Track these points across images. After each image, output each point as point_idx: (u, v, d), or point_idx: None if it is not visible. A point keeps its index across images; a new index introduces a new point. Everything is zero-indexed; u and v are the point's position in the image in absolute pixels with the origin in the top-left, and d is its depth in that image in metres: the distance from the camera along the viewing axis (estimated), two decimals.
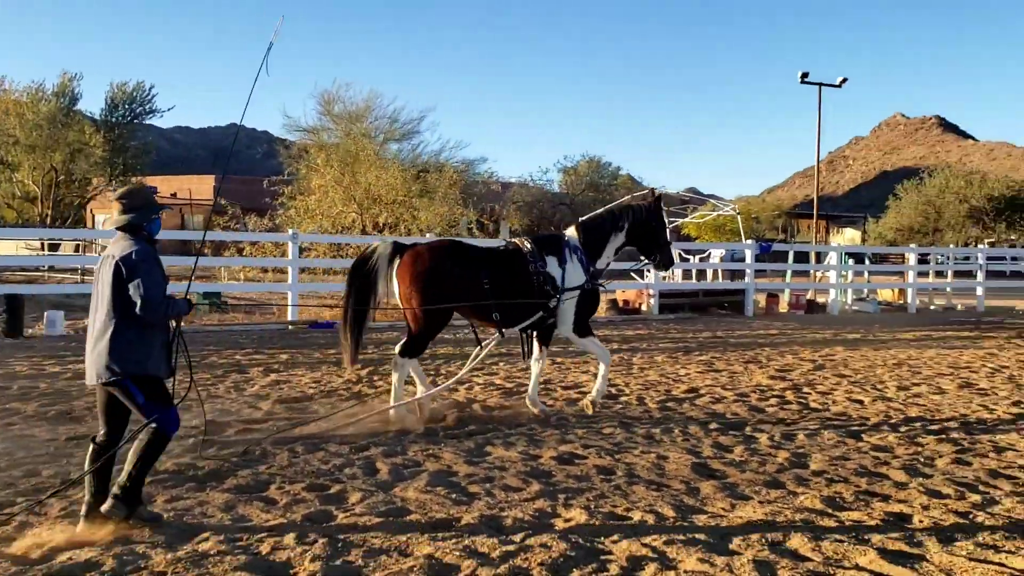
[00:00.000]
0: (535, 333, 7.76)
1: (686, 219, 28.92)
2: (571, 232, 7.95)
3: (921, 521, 4.84)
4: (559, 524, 4.74)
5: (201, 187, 47.48)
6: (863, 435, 7.12)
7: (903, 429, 7.35)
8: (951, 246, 40.85)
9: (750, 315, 19.07)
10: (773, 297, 20.72)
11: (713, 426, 7.38)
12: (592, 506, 5.06)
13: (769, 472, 5.92)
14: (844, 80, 34.78)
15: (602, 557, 4.24)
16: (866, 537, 4.54)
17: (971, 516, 4.94)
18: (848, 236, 67.83)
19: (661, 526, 4.71)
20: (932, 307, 22.45)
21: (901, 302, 22.56)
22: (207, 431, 6.24)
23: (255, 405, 7.90)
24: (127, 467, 4.44)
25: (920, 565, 4.15)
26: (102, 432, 4.56)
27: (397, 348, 7.46)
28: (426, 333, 7.40)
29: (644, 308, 18.99)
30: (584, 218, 8.44)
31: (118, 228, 4.57)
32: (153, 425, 4.43)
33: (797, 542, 4.46)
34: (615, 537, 4.51)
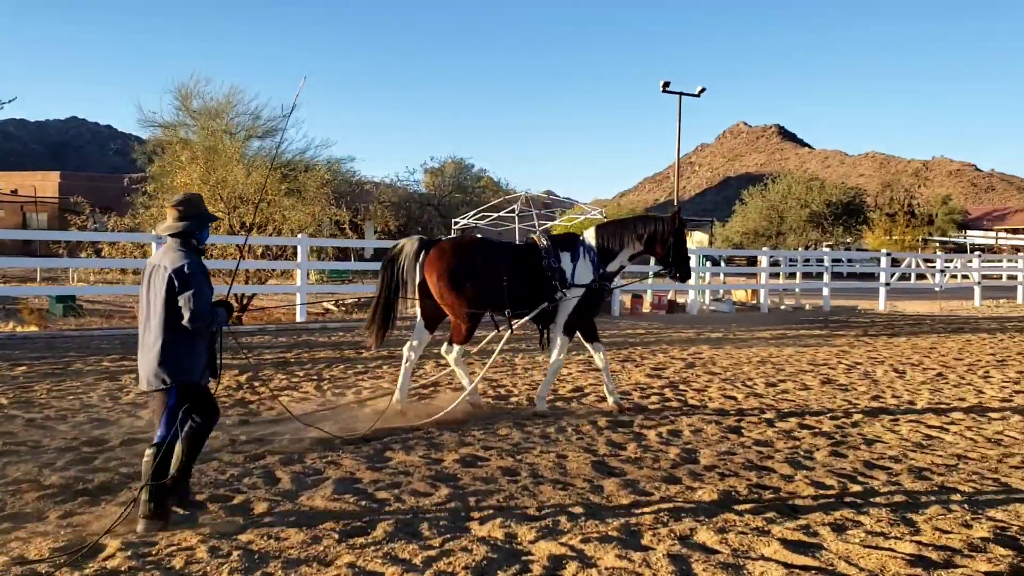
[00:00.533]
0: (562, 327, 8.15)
1: (555, 222, 29.53)
2: (589, 233, 8.36)
3: (812, 512, 5.16)
4: (475, 527, 4.78)
5: (45, 184, 44.55)
6: (743, 430, 7.50)
7: (779, 424, 7.78)
8: (799, 249, 43.34)
9: (616, 315, 19.63)
10: (637, 298, 21.42)
11: (603, 424, 7.58)
12: (505, 509, 5.12)
13: (664, 468, 6.15)
14: (703, 90, 36.43)
15: (524, 558, 4.31)
16: (766, 529, 4.81)
17: (857, 505, 5.30)
18: (697, 239, 70.86)
19: (575, 525, 4.82)
20: (783, 307, 23.78)
21: (754, 302, 23.80)
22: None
23: (135, 414, 7.52)
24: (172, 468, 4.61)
25: (820, 554, 4.43)
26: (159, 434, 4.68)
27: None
28: (471, 324, 7.90)
29: None
30: (604, 222, 8.96)
31: (171, 235, 4.65)
32: (156, 440, 4.64)
33: (704, 535, 4.67)
34: (532, 537, 4.59)
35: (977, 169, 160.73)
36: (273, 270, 20.57)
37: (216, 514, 4.88)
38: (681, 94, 36.13)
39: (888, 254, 26.36)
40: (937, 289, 28.31)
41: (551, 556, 4.32)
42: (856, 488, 5.68)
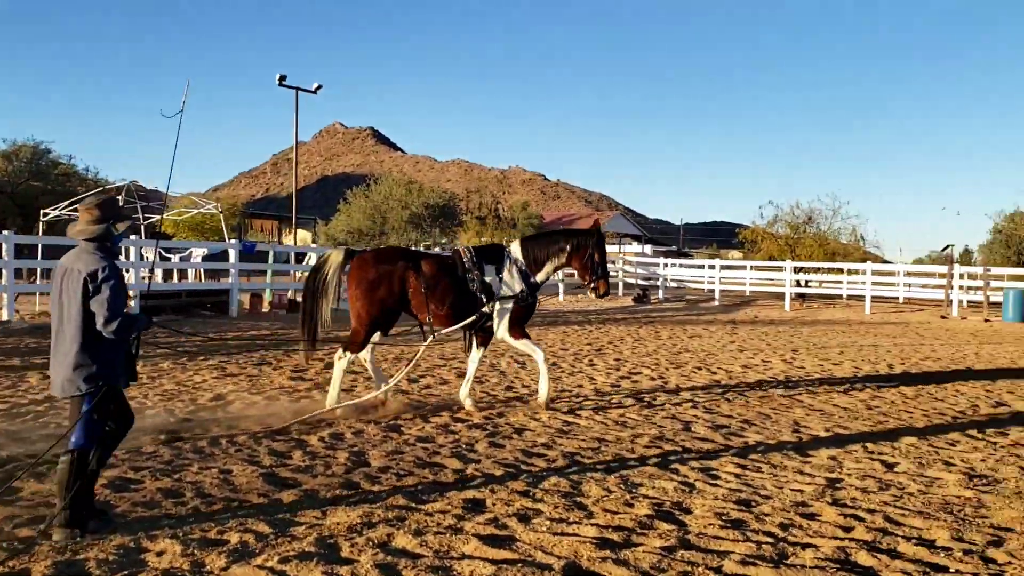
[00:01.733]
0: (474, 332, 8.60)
1: (164, 215, 27.26)
2: (515, 246, 8.67)
3: (495, 504, 5.34)
4: (152, 560, 4.21)
5: None
6: (402, 428, 7.55)
7: (433, 419, 7.94)
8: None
9: (235, 315, 18.74)
10: (257, 297, 20.68)
11: (259, 432, 7.16)
12: (180, 534, 4.57)
13: (339, 474, 5.96)
14: (319, 87, 36.17)
15: None
16: (459, 526, 4.87)
17: (532, 494, 5.59)
18: (300, 236, 70.43)
19: (265, 544, 4.46)
20: None
21: None
22: None
23: None
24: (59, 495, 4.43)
25: (516, 545, 4.58)
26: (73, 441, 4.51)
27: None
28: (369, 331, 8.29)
29: None
30: (528, 236, 9.52)
31: (86, 239, 4.50)
32: (71, 447, 4.46)
33: (403, 540, 4.60)
34: (223, 564, 4.16)
35: (546, 179, 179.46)
36: None
37: None
38: (298, 89, 35.56)
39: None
40: None
41: None
42: (525, 477, 5.99)
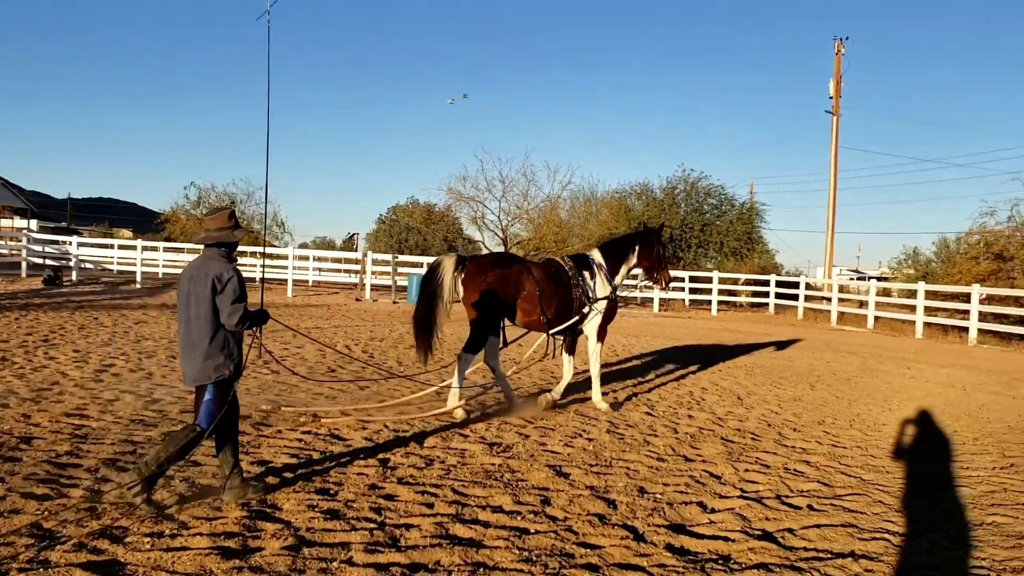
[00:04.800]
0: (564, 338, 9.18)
1: None
2: (596, 253, 9.30)
3: (71, 529, 4.58)
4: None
5: None
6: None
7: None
8: None
9: None
10: None
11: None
12: None
13: None
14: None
15: None
16: (44, 558, 4.10)
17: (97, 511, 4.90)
18: None
19: None
20: None
21: None
22: None
23: None
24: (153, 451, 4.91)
25: (126, 570, 4.04)
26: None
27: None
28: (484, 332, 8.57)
29: None
30: (604, 242, 9.92)
31: (210, 245, 5.07)
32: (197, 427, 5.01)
33: None
34: None
35: None
36: None
37: None
38: None
39: None
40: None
41: None
42: (83, 492, 5.21)
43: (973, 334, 21.89)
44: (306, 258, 32.78)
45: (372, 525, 4.99)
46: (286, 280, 28.84)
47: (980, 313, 22.11)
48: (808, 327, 26.25)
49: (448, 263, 8.48)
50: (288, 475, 5.93)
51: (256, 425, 7.46)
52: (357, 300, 27.48)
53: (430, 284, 8.43)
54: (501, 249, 36.19)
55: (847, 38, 35.65)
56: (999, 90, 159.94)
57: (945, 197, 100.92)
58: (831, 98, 35.41)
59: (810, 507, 5.87)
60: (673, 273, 31.27)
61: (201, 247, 5.17)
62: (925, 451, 8.09)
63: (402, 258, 30.57)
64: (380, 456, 6.65)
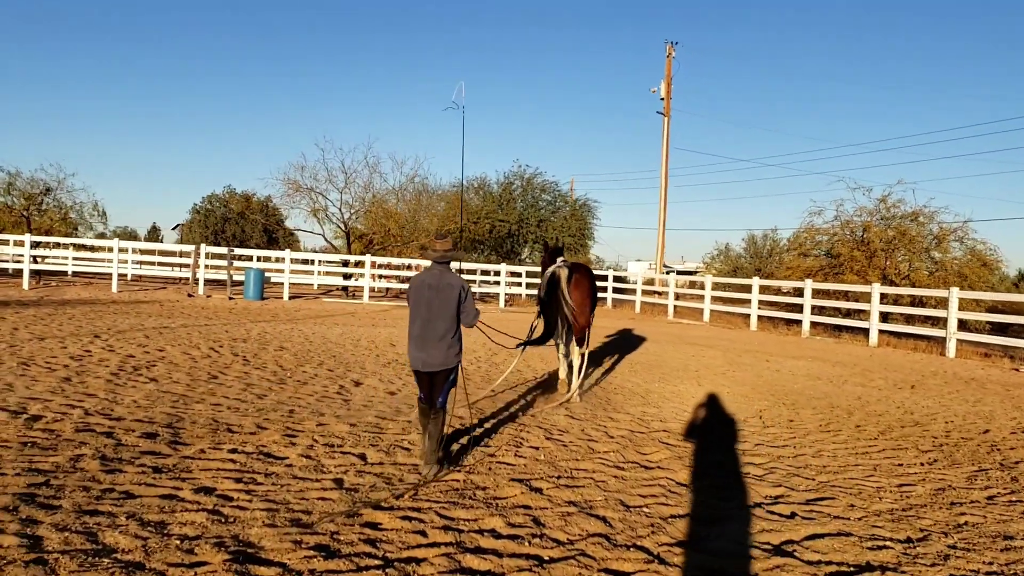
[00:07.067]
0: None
1: None
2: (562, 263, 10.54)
3: None
4: None
5: None
6: None
7: None
8: None
9: None
10: None
11: None
12: None
13: None
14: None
15: None
16: None
17: None
18: None
19: None
20: None
21: None
22: None
23: None
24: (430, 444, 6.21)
25: None
26: (424, 397, 6.36)
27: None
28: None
29: None
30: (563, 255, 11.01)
31: (440, 261, 6.39)
32: (439, 406, 6.26)
33: None
34: None
35: None
36: None
37: None
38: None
39: None
40: None
41: None
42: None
43: (806, 327, 23.34)
44: (126, 250, 30.29)
45: (376, 561, 4.41)
46: (103, 274, 26.51)
47: (812, 307, 23.62)
48: (647, 321, 27.09)
49: (563, 272, 10.07)
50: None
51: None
52: (190, 296, 25.62)
53: (556, 288, 10.05)
54: (341, 242, 34.99)
55: (677, 43, 37.20)
56: (804, 96, 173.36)
57: (765, 196, 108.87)
58: (662, 99, 36.80)
59: (795, 514, 5.83)
60: (513, 269, 31.47)
61: (429, 262, 6.46)
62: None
63: (238, 251, 28.84)
64: (334, 477, 6.01)
